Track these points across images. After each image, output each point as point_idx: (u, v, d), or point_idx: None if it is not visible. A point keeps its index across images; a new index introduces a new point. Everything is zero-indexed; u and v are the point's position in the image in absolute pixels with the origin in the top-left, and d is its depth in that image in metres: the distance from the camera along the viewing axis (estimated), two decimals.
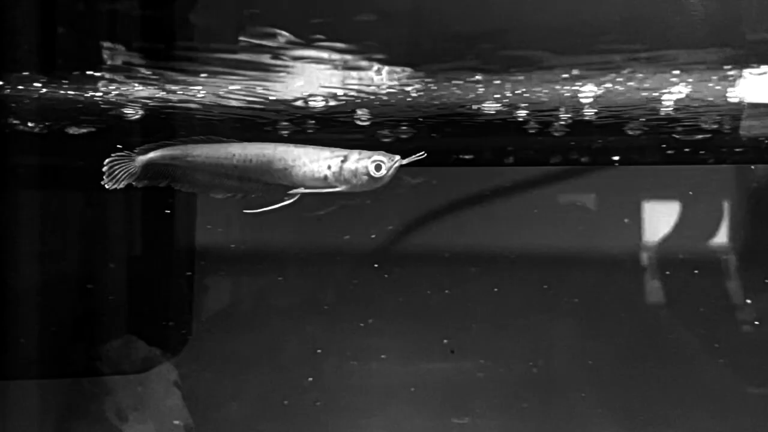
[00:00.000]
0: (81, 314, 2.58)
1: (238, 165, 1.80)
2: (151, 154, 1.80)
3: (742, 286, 2.60)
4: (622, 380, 2.63)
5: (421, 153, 1.73)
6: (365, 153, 1.76)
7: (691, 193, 2.63)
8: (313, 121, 2.24)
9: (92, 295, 2.59)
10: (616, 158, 2.43)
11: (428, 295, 2.63)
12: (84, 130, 2.27)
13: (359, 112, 2.18)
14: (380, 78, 2.00)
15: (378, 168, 1.74)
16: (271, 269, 2.73)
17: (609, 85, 1.97)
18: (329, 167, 1.76)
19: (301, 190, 1.78)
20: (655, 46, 1.85)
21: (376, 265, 2.64)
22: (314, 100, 2.13)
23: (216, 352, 2.65)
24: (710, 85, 1.97)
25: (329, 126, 2.26)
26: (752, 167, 2.56)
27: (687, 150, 2.33)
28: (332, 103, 2.13)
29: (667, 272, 2.62)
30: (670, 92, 2.02)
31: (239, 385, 2.68)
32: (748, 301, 2.58)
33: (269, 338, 2.69)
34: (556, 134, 2.26)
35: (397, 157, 1.75)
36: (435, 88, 2.04)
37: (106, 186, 1.75)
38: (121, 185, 1.77)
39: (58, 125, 2.27)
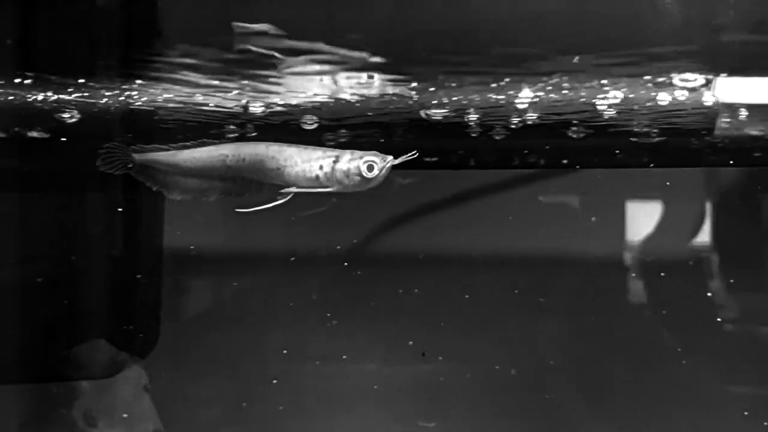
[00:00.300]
0: (48, 319, 2.54)
1: (232, 166, 1.80)
2: (148, 157, 1.83)
3: (718, 286, 2.60)
4: (599, 381, 2.63)
5: (413, 152, 1.73)
6: (357, 153, 1.76)
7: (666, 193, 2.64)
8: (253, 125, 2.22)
9: (59, 299, 2.54)
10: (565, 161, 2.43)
11: (398, 297, 2.61)
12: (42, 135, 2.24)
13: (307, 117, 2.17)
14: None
15: (370, 168, 1.74)
16: (241, 271, 2.70)
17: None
18: (321, 167, 1.76)
19: (293, 189, 1.77)
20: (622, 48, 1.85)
21: (345, 264, 2.62)
22: (254, 106, 2.11)
23: (184, 355, 2.62)
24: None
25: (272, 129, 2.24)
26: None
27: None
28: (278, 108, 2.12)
29: (639, 273, 2.63)
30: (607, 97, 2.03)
31: (208, 388, 2.65)
32: (725, 300, 2.60)
33: (238, 340, 2.66)
34: (497, 137, 2.24)
35: (390, 157, 1.74)
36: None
37: (100, 168, 1.78)
38: (115, 172, 1.80)
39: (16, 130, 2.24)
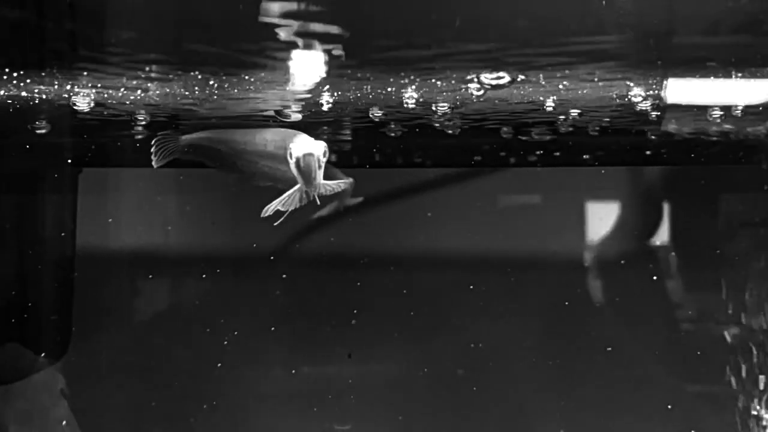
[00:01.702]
0: None
1: (271, 151, 1.71)
2: (194, 135, 1.81)
3: (674, 284, 2.60)
4: (555, 381, 2.59)
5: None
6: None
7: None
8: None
9: None
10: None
11: (327, 297, 2.52)
12: None
13: None
14: None
15: (290, 155, 1.62)
16: (163, 271, 2.58)
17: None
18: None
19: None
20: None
21: (271, 258, 2.52)
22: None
23: (99, 359, 2.50)
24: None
25: None
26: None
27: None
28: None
29: (597, 272, 2.60)
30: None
31: (126, 393, 2.53)
32: (681, 298, 2.60)
33: (157, 343, 2.56)
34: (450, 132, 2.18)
35: (318, 153, 1.62)
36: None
37: (153, 164, 1.77)
38: (165, 161, 1.79)
39: None
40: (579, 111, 2.05)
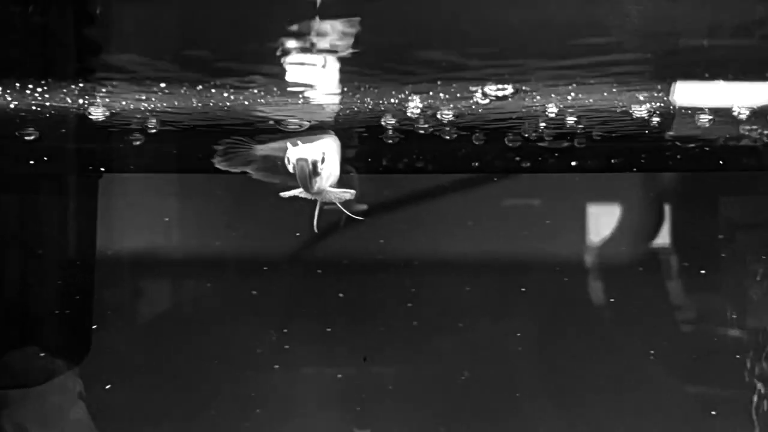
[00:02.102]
0: None
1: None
2: (270, 145, 1.74)
3: (676, 287, 2.61)
4: (559, 383, 2.61)
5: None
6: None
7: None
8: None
9: None
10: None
11: (342, 300, 2.54)
12: None
13: None
14: None
15: (288, 160, 1.63)
16: (181, 275, 2.62)
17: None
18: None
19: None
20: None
21: (288, 263, 2.56)
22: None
23: (120, 362, 2.53)
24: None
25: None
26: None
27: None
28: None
29: (598, 275, 2.62)
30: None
31: (148, 397, 2.56)
32: (683, 301, 2.61)
33: (175, 347, 2.58)
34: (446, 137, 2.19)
35: (316, 157, 1.61)
36: None
37: (219, 166, 1.71)
38: (235, 170, 1.73)
39: None
40: (577, 118, 2.09)
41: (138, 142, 2.15)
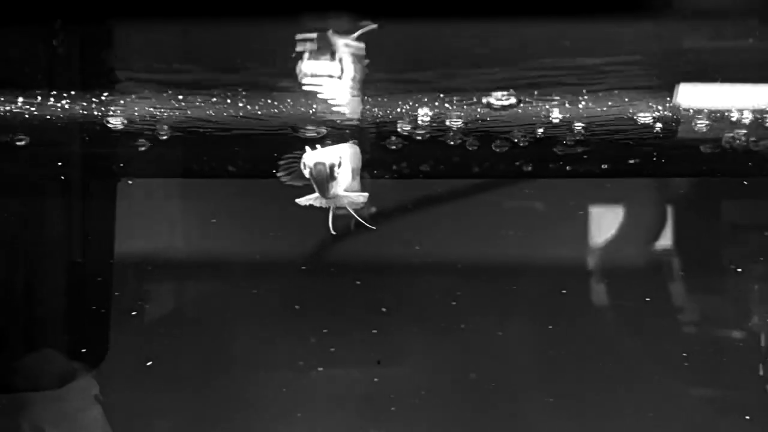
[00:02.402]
0: None
1: None
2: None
3: (678, 289, 2.63)
4: (563, 385, 2.63)
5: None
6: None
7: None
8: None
9: (5, 308, 2.47)
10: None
11: (356, 303, 2.57)
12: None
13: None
14: None
15: (305, 165, 1.63)
16: (197, 278, 2.65)
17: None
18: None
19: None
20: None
21: (303, 268, 2.57)
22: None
23: (136, 365, 2.55)
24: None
25: None
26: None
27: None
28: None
29: (601, 277, 2.64)
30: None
31: (161, 398, 2.59)
32: (689, 303, 2.62)
33: (192, 349, 2.61)
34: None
35: (334, 161, 1.62)
36: None
37: (282, 178, 1.69)
38: (294, 182, 1.70)
39: None
40: (584, 125, 2.11)
41: (148, 147, 2.20)
